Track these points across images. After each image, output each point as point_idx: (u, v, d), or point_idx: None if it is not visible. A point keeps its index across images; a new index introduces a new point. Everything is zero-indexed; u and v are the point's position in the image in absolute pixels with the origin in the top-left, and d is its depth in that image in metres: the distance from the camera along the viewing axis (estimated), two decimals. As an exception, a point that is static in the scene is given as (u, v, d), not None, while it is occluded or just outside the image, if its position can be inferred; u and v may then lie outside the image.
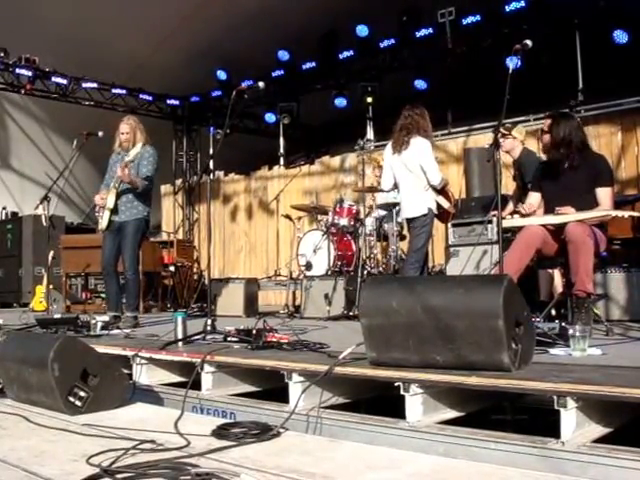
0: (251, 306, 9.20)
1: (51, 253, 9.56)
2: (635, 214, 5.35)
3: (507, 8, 10.65)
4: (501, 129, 6.78)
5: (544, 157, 5.83)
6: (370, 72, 13.05)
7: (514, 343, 3.25)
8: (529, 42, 4.86)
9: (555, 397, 2.86)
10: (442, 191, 7.40)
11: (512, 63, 4.99)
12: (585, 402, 2.88)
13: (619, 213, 5.04)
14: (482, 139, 10.42)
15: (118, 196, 7.01)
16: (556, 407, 2.85)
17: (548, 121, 5.58)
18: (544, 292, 7.08)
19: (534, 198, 5.68)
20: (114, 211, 7.03)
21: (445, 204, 7.36)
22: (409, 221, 7.47)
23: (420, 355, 3.41)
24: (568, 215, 5.11)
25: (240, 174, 15.35)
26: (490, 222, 7.37)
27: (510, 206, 7.23)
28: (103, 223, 7.05)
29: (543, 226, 5.26)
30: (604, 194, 5.30)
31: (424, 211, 7.22)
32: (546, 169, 5.67)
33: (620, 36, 9.93)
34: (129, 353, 4.87)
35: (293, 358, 4.04)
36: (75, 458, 2.72)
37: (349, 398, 3.89)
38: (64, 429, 3.25)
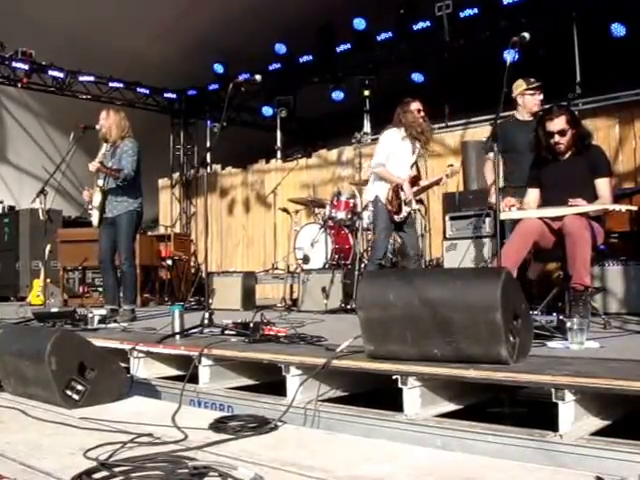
0: (248, 299, 9.19)
1: (48, 247, 9.56)
2: (632, 208, 5.32)
3: (505, 1, 10.61)
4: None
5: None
6: (367, 65, 13.02)
7: (512, 336, 3.25)
8: (527, 35, 4.84)
9: (553, 390, 2.86)
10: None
11: (510, 56, 4.95)
12: (583, 395, 2.88)
13: (616, 207, 5.02)
14: (480, 132, 10.41)
15: (105, 195, 7.05)
16: (554, 400, 2.85)
17: (562, 117, 5.34)
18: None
19: (532, 195, 5.62)
20: (103, 209, 7.06)
21: (382, 195, 7.22)
22: None
23: (418, 348, 3.41)
24: (565, 208, 5.09)
25: (237, 167, 15.32)
26: (488, 215, 7.36)
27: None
28: (94, 221, 7.13)
29: (540, 219, 5.25)
30: (603, 184, 5.29)
31: (371, 197, 7.31)
32: (543, 162, 5.61)
33: (618, 29, 9.91)
34: (126, 347, 4.87)
35: (290, 351, 4.05)
36: (72, 451, 2.72)
37: (347, 391, 3.89)
38: (61, 423, 3.25)
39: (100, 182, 7.03)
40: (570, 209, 5.07)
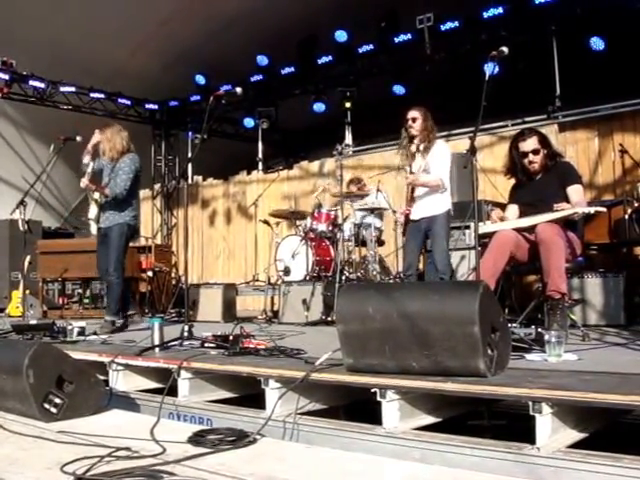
0: (229, 311, 9.16)
1: (27, 258, 9.50)
2: (601, 209, 5.34)
3: (485, 14, 10.68)
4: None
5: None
6: (349, 77, 13.04)
7: (490, 349, 3.27)
8: (505, 49, 4.90)
9: (530, 403, 2.87)
10: None
11: (489, 69, 5.00)
12: (560, 408, 2.89)
13: (585, 210, 5.06)
14: (461, 145, 10.45)
15: (101, 207, 7.20)
16: (531, 413, 2.87)
17: (534, 137, 5.55)
18: None
19: (512, 210, 5.76)
20: (98, 220, 7.23)
21: None
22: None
23: (396, 361, 3.41)
24: (537, 217, 5.17)
25: (219, 179, 15.30)
26: (468, 227, 7.39)
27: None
28: (93, 231, 7.37)
29: (517, 231, 5.31)
30: (574, 191, 5.41)
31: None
32: (519, 184, 5.82)
33: (597, 43, 10.01)
34: (105, 359, 4.85)
35: (270, 364, 4.05)
36: (49, 466, 2.70)
37: (326, 404, 3.89)
38: (39, 436, 3.22)
39: (96, 195, 7.12)
40: (542, 217, 5.14)
